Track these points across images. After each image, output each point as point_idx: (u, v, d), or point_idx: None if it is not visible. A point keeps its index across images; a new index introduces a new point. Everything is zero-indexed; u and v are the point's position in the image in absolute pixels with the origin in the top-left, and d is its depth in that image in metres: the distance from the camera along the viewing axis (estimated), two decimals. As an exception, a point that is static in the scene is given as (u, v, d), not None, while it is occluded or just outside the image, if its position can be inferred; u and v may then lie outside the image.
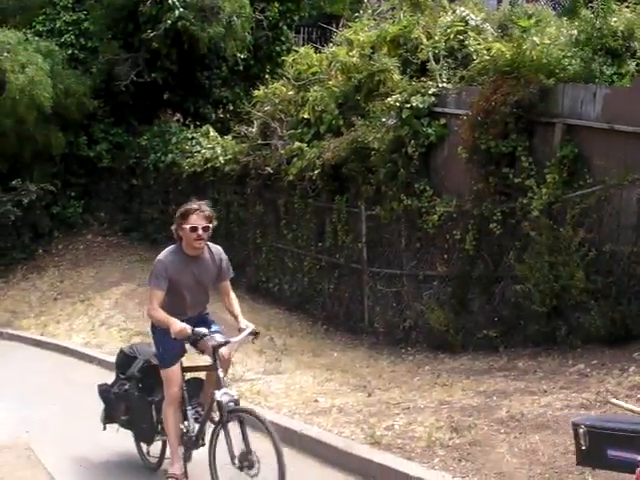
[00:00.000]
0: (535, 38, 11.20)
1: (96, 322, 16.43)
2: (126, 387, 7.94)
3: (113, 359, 13.34)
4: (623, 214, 9.66)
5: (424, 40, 13.68)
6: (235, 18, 20.22)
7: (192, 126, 20.71)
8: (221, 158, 17.47)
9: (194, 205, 7.20)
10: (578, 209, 9.95)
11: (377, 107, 13.34)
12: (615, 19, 11.06)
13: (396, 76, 13.83)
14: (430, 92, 12.27)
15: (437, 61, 13.07)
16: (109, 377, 12.67)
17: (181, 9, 19.36)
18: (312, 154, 14.21)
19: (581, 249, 9.76)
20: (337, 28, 19.03)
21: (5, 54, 19.10)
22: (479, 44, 13.07)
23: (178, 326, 6.83)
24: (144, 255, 19.94)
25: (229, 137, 18.57)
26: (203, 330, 7.04)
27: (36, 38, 20.46)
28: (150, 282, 7.14)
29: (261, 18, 21.98)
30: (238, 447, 6.65)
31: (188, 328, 6.85)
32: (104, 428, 8.42)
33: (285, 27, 22.91)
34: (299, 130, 15.48)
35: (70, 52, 21.27)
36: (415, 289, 12.18)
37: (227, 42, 20.67)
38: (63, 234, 21.76)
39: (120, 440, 9.29)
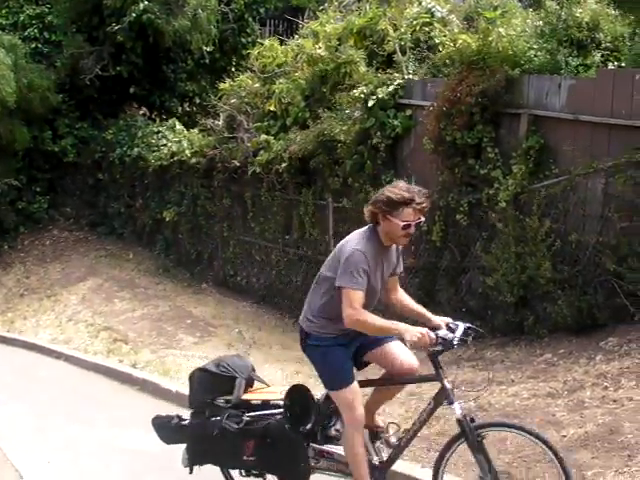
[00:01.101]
0: (501, 29, 11.19)
1: (63, 318, 16.33)
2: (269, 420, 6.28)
3: (80, 354, 13.53)
4: (588, 204, 9.70)
5: (390, 32, 13.67)
6: (200, 11, 20.10)
7: (158, 120, 20.69)
8: (187, 151, 17.41)
9: (408, 193, 5.69)
10: (544, 199, 9.99)
11: (343, 99, 13.37)
12: (580, 10, 11.08)
13: (362, 68, 13.85)
14: (396, 84, 12.28)
15: (403, 53, 13.09)
16: (76, 373, 12.82)
17: (146, 2, 19.19)
18: (279, 147, 14.19)
19: (547, 239, 9.80)
20: (303, 20, 18.99)
21: (-34, 48, 18.92)
22: (445, 36, 13.14)
23: (417, 331, 5.45)
24: (111, 250, 19.89)
25: (195, 130, 18.51)
26: (449, 334, 5.62)
27: (-1, 32, 20.28)
28: (344, 279, 5.61)
29: (226, 11, 21.83)
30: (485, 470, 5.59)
31: (431, 333, 5.49)
32: (190, 472, 6.72)
33: (251, 19, 22.77)
34: (265, 123, 15.45)
35: (34, 46, 21.03)
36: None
37: (192, 35, 20.54)
38: (29, 230, 21.61)
39: (88, 436, 9.30)
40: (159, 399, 10.75)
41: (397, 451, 6.06)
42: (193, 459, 6.61)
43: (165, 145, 18.75)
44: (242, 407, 6.37)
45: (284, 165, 13.79)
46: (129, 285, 17.24)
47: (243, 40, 22.39)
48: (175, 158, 17.81)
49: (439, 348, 5.54)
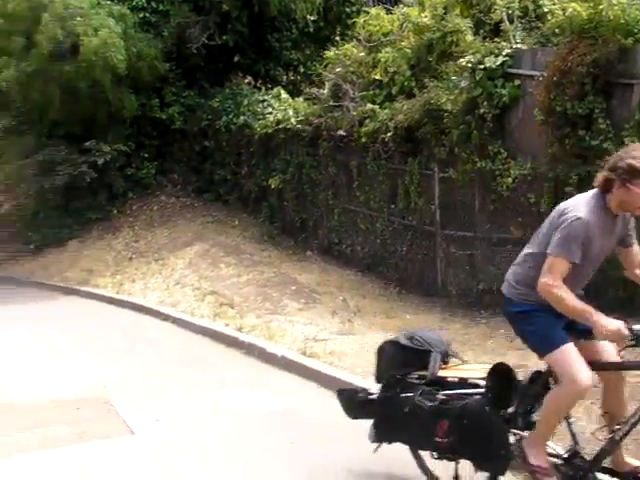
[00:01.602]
0: (613, -2, 11.00)
1: (170, 281, 16.68)
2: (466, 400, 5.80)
3: (187, 317, 13.85)
4: None
5: (497, 0, 13.52)
6: (305, -20, 20.21)
7: (263, 88, 20.81)
8: (293, 119, 17.52)
9: None
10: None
11: (450, 68, 13.28)
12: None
13: (469, 37, 13.74)
14: (504, 53, 12.14)
15: (511, 21, 12.92)
16: (183, 335, 13.12)
17: (252, -28, 19.36)
18: (384, 116, 14.19)
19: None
20: (408, -12, 18.87)
21: (78, 18, 19.29)
22: (554, 4, 12.88)
23: (611, 325, 5.01)
24: (217, 216, 20.18)
25: (300, 99, 18.61)
26: None
27: (108, 2, 20.56)
28: (557, 246, 5.16)
29: (331, -20, 21.90)
30: None
31: (625, 329, 4.99)
32: (376, 449, 6.50)
33: (355, -12, 22.76)
34: (371, 92, 15.46)
35: (142, 15, 21.34)
36: (489, 252, 12.15)
37: (297, 4, 20.66)
38: (137, 195, 22.08)
39: (195, 397, 9.54)
40: (264, 363, 10.95)
41: (610, 446, 5.39)
42: (380, 436, 6.34)
43: (270, 113, 18.92)
44: (437, 384, 6.00)
45: (390, 134, 13.78)
46: (235, 251, 17.48)
47: (347, 9, 22.34)
48: (280, 126, 17.94)
49: (632, 343, 5.03)
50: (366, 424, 7.06)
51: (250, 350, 11.54)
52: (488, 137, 12.02)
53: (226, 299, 14.44)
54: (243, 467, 7.31)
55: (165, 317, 14.49)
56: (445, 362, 6.18)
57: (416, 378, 6.12)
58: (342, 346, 10.81)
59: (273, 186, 17.96)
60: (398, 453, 6.48)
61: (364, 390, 6.61)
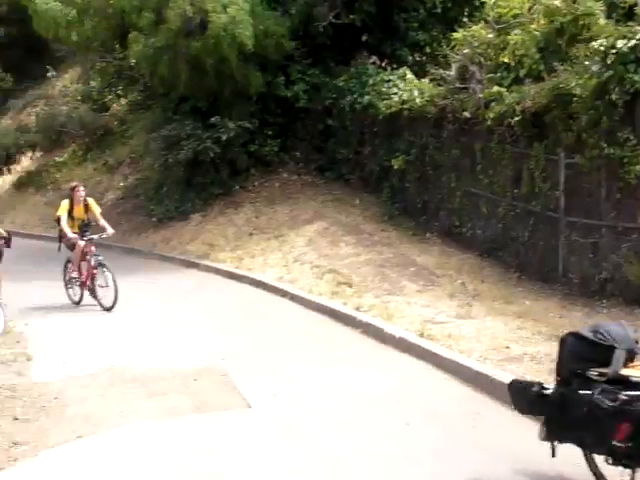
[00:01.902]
0: None
1: (289, 258, 16.84)
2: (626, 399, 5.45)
3: (304, 294, 13.98)
4: None
5: (632, -18, 13.18)
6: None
7: (389, 69, 20.73)
8: (418, 100, 17.41)
9: None
10: None
11: (580, 52, 12.99)
12: None
13: (601, 20, 13.40)
14: (637, 37, 11.78)
15: (646, 4, 12.59)
16: (300, 312, 13.27)
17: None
18: (511, 99, 13.97)
19: None
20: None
21: (207, -5, 19.55)
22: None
23: None
24: (337, 194, 20.24)
25: (426, 80, 18.47)
26: None
27: (237, -21, 20.79)
28: None
29: (460, -41, 21.66)
30: None
31: None
32: (553, 454, 6.12)
33: (485, -31, 22.48)
34: (498, 74, 15.23)
35: (269, -7, 21.50)
36: (613, 241, 11.88)
37: (426, -16, 20.53)
38: (259, 171, 22.30)
39: (311, 373, 9.64)
40: (381, 343, 11.01)
41: None
42: (551, 434, 6.00)
43: (395, 94, 18.82)
44: (619, 383, 5.54)
45: (516, 118, 13.58)
46: (354, 230, 17.53)
47: (476, -10, 22.05)
48: (405, 107, 17.86)
49: None
50: (485, 413, 7.05)
51: (367, 330, 11.59)
52: (618, 123, 11.70)
53: (344, 278, 14.51)
54: (357, 445, 7.36)
55: (283, 293, 14.67)
56: (631, 360, 5.73)
57: (597, 375, 5.71)
58: (460, 330, 10.77)
59: (395, 167, 17.90)
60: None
61: (538, 384, 6.22)
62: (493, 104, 14.40)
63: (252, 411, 8.51)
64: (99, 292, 14.44)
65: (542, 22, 14.78)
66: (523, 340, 10.06)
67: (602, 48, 11.93)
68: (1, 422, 8.38)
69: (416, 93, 17.82)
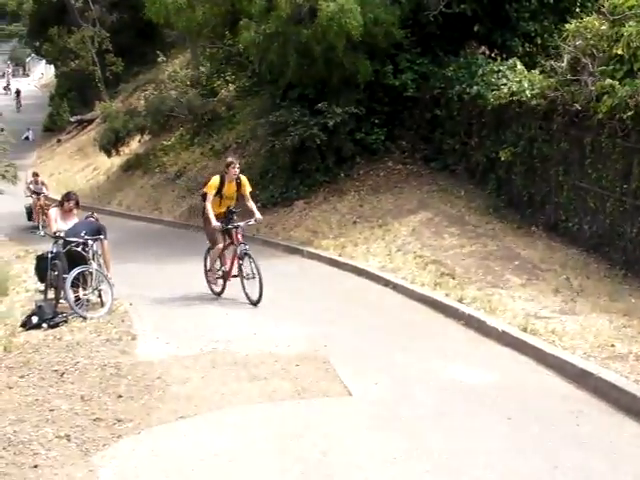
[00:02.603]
0: None
1: (392, 247, 16.82)
2: None
3: (407, 284, 14.05)
4: None
5: None
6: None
7: (498, 59, 20.50)
8: (527, 92, 17.19)
9: None
10: None
11: (697, 45, 12.71)
12: None
13: None
14: None
15: None
16: (402, 302, 13.34)
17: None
18: (624, 92, 13.70)
19: None
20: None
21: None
22: None
23: None
24: (443, 185, 20.12)
25: (536, 71, 18.22)
26: None
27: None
28: None
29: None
30: None
31: None
32: None
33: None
34: (611, 67, 14.93)
35: (380, -18, 21.43)
36: None
37: (540, -26, 20.25)
38: (364, 160, 22.32)
39: (412, 364, 9.66)
40: (483, 336, 10.97)
41: None
42: None
43: (505, 84, 18.63)
44: None
45: (629, 113, 13.32)
46: (459, 221, 17.43)
47: (590, -20, 21.64)
48: (514, 98, 17.65)
49: None
50: (588, 411, 6.97)
51: (469, 322, 11.55)
52: None
53: (447, 269, 14.46)
54: (457, 437, 7.37)
55: (386, 282, 14.68)
56: None
57: None
58: (564, 325, 10.65)
59: (502, 158, 17.72)
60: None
61: None
62: (605, 97, 14.13)
63: (352, 399, 8.59)
64: (245, 284, 13.63)
65: (658, 14, 14.47)
66: (628, 338, 9.90)
67: None
68: (106, 399, 8.62)
69: (526, 84, 17.60)
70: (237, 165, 14.16)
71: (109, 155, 34.67)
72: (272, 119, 22.28)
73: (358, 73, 20.84)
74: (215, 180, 14.04)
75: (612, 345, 9.64)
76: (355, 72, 20.84)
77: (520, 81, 18.03)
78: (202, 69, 32.93)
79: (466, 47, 21.55)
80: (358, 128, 21.81)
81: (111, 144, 33.86)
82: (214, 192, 13.90)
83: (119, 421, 7.99)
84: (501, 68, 19.57)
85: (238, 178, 14.14)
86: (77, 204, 14.46)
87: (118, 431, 7.74)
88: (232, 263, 13.99)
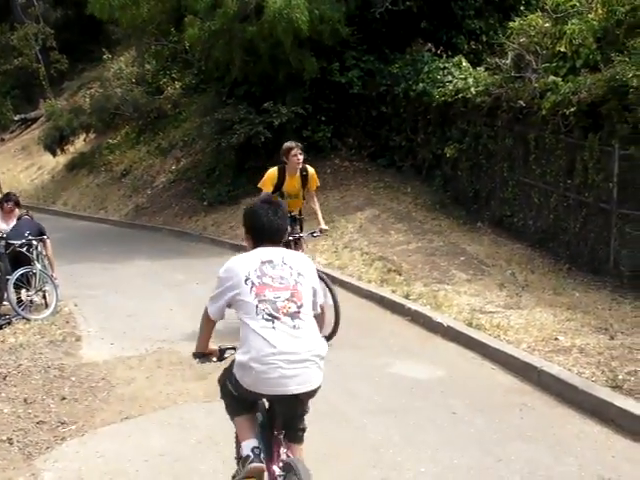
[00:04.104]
0: None
1: (339, 244, 16.82)
2: None
3: (354, 281, 14.01)
4: None
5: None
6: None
7: (444, 56, 20.62)
8: (472, 89, 17.30)
9: None
10: None
11: (639, 43, 12.85)
12: None
13: (661, 11, 13.29)
14: (699, 29, 11.65)
15: None
16: (349, 299, 13.30)
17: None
18: (567, 89, 13.83)
19: None
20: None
21: (258, -21, 19.62)
22: None
23: None
24: (389, 182, 20.21)
25: (481, 69, 18.38)
26: None
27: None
28: None
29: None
30: None
31: None
32: None
33: (543, -44, 22.25)
34: (554, 64, 15.08)
35: (326, -22, 21.44)
36: (666, 234, 11.76)
37: (484, -28, 20.40)
38: (312, 157, 22.13)
39: (359, 360, 9.67)
40: (430, 332, 10.99)
41: None
42: None
43: (450, 82, 18.76)
44: None
45: (572, 109, 13.45)
46: (405, 218, 17.50)
47: (534, -22, 21.83)
48: (460, 95, 17.76)
49: None
50: (532, 404, 7.01)
51: (416, 318, 11.58)
52: (676, 116, 11.56)
53: (394, 265, 14.50)
54: (401, 432, 7.39)
55: (332, 280, 14.64)
56: None
57: None
58: (508, 320, 10.72)
59: (448, 155, 17.83)
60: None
61: None
62: (548, 94, 14.27)
63: (298, 396, 8.56)
64: None
65: (600, 12, 14.63)
66: (572, 332, 9.99)
67: (661, 39, 11.78)
68: (49, 401, 8.54)
69: (471, 81, 17.73)
70: (300, 152, 10.92)
71: (54, 154, 34.35)
72: (218, 117, 22.24)
73: (304, 70, 20.86)
74: (272, 173, 10.90)
75: (556, 338, 9.72)
76: (301, 69, 20.85)
77: (465, 78, 18.18)
78: (148, 67, 32.70)
79: (412, 44, 21.58)
80: (304, 126, 21.82)
81: (56, 143, 33.56)
82: (271, 189, 10.76)
83: (63, 423, 7.91)
84: (447, 65, 19.70)
85: (304, 170, 11.13)
86: (17, 204, 14.24)
87: (62, 434, 7.66)
88: None
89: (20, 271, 12.95)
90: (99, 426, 7.87)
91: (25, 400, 8.55)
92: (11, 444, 7.38)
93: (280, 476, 5.03)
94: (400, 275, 13.89)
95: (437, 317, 11.12)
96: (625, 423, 7.21)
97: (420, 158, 19.85)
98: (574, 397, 7.93)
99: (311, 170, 11.17)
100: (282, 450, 5.19)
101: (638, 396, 7.54)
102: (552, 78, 14.38)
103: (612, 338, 9.60)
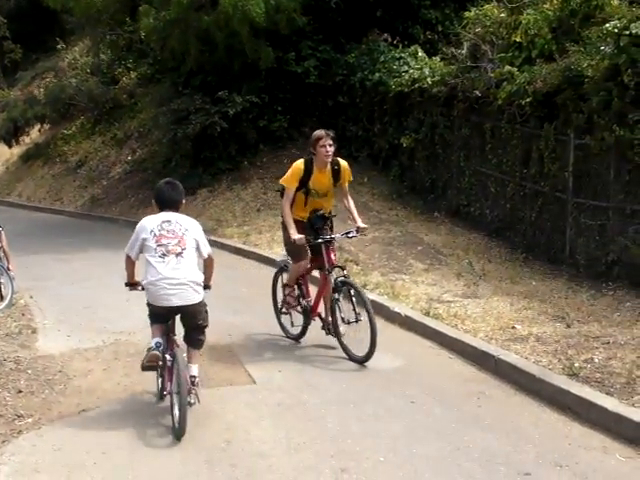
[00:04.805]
0: None
1: (297, 235, 16.77)
2: None
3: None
4: None
5: (647, -37, 13.09)
6: None
7: (400, 46, 20.63)
8: (429, 79, 17.35)
9: None
10: None
11: (593, 33, 12.93)
12: None
13: (615, 1, 13.38)
14: (652, 19, 11.72)
15: (660, -15, 12.49)
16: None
17: None
18: (522, 79, 13.91)
19: None
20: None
21: (220, -31, 19.50)
22: None
23: None
24: (346, 172, 20.16)
25: (437, 58, 18.43)
26: None
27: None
28: None
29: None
30: None
31: None
32: None
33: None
34: (510, 54, 15.15)
35: (282, -32, 21.36)
36: (621, 223, 11.84)
37: (439, -40, 20.42)
38: (268, 147, 22.28)
39: (321, 353, 9.65)
40: (387, 322, 10.98)
41: None
42: None
43: (406, 72, 18.79)
44: None
45: (527, 99, 13.52)
46: (363, 208, 17.44)
47: (490, -32, 21.88)
48: (416, 85, 17.80)
49: None
50: (489, 392, 7.03)
51: (373, 308, 11.56)
52: (629, 105, 11.62)
53: (351, 255, 14.50)
54: (361, 422, 7.38)
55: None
56: None
57: None
58: (466, 309, 10.79)
59: (405, 145, 17.88)
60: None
61: None
62: (504, 84, 14.35)
63: (256, 387, 8.54)
64: (343, 331, 9.44)
65: (555, 2, 14.78)
66: (529, 320, 10.07)
67: (615, 30, 11.86)
68: (5, 394, 8.41)
69: (427, 71, 17.78)
70: (330, 142, 9.30)
71: (9, 145, 34.01)
72: (174, 107, 22.12)
73: (260, 60, 20.83)
74: (297, 167, 9.51)
75: (513, 327, 9.79)
76: (257, 59, 20.82)
77: (421, 68, 18.23)
78: (103, 57, 32.38)
79: (368, 34, 21.60)
80: (261, 115, 21.82)
81: (10, 134, 33.26)
82: (295, 185, 9.48)
83: (19, 417, 7.80)
84: (402, 55, 19.75)
85: (335, 163, 9.56)
86: None
87: (18, 427, 7.55)
88: (320, 296, 9.85)
89: (-26, 263, 12.82)
90: (56, 419, 7.76)
91: (-20, 394, 8.45)
92: (-34, 437, 7.29)
93: (169, 361, 7.44)
94: (357, 265, 13.89)
95: (395, 307, 11.14)
96: (582, 411, 7.27)
97: (377, 148, 19.87)
98: (531, 385, 7.98)
99: (343, 163, 9.66)
100: (180, 355, 7.45)
101: (594, 384, 7.60)
102: (508, 68, 14.46)
103: (568, 326, 9.69)
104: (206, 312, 7.87)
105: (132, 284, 8.06)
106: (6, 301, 12.71)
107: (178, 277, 7.46)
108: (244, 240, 17.44)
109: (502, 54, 15.25)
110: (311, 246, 9.55)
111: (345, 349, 9.35)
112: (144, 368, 7.67)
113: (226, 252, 17.07)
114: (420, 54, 19.51)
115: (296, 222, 9.48)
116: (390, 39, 21.29)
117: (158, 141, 25.57)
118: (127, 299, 12.80)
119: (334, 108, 21.63)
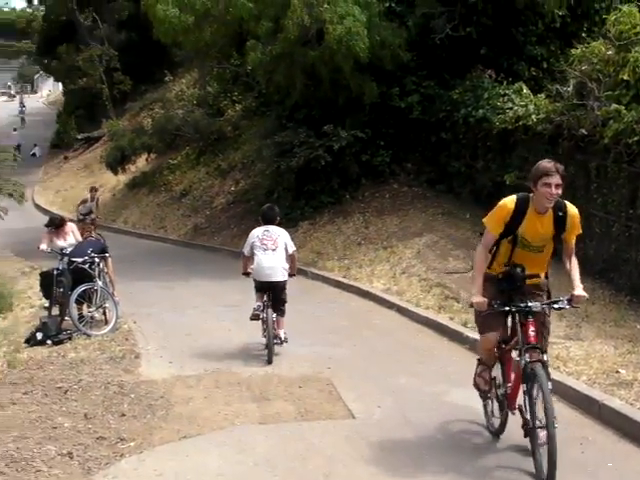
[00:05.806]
0: None
1: (397, 270, 16.82)
2: None
3: (412, 307, 14.01)
4: None
5: None
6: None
7: (504, 82, 20.53)
8: (533, 116, 17.21)
9: None
10: None
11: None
12: None
13: None
14: None
15: None
16: (407, 324, 13.30)
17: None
18: (630, 117, 13.71)
19: None
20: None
21: (325, 5, 19.76)
22: None
23: None
24: (448, 208, 20.13)
25: (542, 95, 18.26)
26: None
27: (354, -10, 20.91)
28: None
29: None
30: None
31: None
32: None
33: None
34: (617, 92, 14.94)
35: (387, 5, 21.50)
36: None
37: (547, -2, 20.28)
38: (370, 182, 22.37)
39: (416, 387, 9.62)
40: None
41: None
42: None
43: (511, 108, 18.65)
44: None
45: (635, 138, 13.32)
46: (464, 244, 17.38)
47: (596, 5, 21.59)
48: (520, 122, 17.67)
49: None
50: (593, 437, 6.91)
51: (474, 346, 11.48)
52: None
53: (452, 292, 14.45)
54: (459, 459, 7.32)
55: (390, 305, 14.68)
56: None
57: None
58: (568, 351, 10.60)
59: (508, 182, 17.70)
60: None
61: None
62: (611, 122, 14.14)
63: (355, 422, 8.54)
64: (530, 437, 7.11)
65: (665, 40, 14.51)
66: (634, 365, 9.85)
67: None
68: (109, 417, 8.61)
69: (532, 108, 17.64)
70: (560, 180, 6.89)
71: (115, 173, 34.87)
72: (278, 140, 22.40)
73: (364, 95, 20.99)
74: (506, 206, 7.27)
75: (617, 371, 9.58)
76: (361, 94, 20.98)
77: (526, 105, 18.08)
78: (209, 89, 33.10)
79: (472, 70, 21.55)
80: (364, 150, 21.93)
81: (117, 162, 34.08)
82: (499, 231, 7.23)
83: (122, 440, 7.97)
84: (507, 92, 19.60)
85: (560, 207, 7.15)
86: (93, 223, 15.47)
87: (120, 450, 7.71)
88: (518, 382, 7.32)
89: (82, 287, 13.19)
90: (157, 444, 7.90)
91: (85, 415, 8.64)
92: (71, 458, 7.44)
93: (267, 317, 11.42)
94: (458, 302, 13.84)
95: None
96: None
97: (479, 185, 19.73)
98: (637, 432, 7.80)
99: (572, 210, 7.23)
100: (271, 312, 11.42)
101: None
102: (615, 106, 14.25)
103: (675, 372, 9.45)
104: (286, 293, 11.72)
105: (246, 273, 11.76)
106: (110, 325, 13.06)
107: (273, 264, 11.38)
108: (344, 274, 17.54)
109: (609, 92, 15.04)
110: (507, 312, 7.30)
111: (536, 462, 6.87)
112: (251, 319, 11.56)
113: (326, 285, 17.20)
114: (525, 91, 19.36)
115: (489, 279, 7.27)
116: (494, 75, 21.22)
117: (261, 173, 25.89)
118: (229, 329, 13.09)
119: (437, 144, 21.59)
